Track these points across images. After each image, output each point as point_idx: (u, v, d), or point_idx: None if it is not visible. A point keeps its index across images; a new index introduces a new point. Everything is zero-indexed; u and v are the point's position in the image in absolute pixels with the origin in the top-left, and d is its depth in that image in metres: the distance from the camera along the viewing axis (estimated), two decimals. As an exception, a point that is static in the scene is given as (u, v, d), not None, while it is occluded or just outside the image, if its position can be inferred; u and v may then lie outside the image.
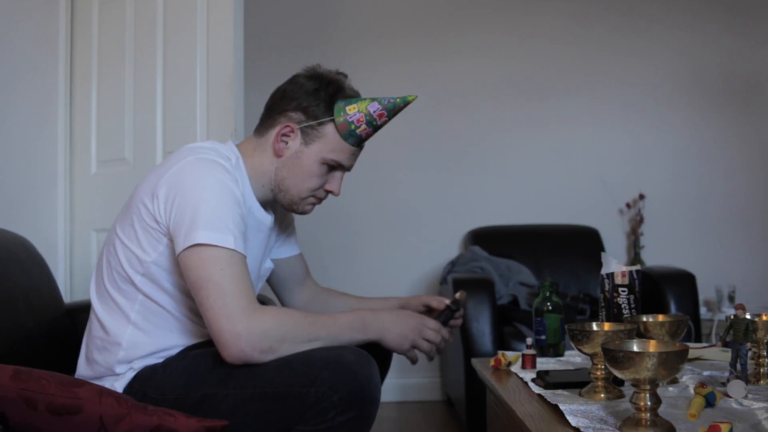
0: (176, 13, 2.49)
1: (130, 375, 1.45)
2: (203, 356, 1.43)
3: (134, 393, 1.41)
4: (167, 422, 1.20)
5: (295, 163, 1.55)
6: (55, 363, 1.70)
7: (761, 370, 1.47)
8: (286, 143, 1.56)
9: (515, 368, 1.75)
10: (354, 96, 1.59)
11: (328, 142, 1.54)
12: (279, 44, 3.55)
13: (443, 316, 1.61)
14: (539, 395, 1.44)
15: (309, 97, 1.54)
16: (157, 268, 1.44)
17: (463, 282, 2.80)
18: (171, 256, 1.43)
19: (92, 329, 1.53)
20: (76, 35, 2.66)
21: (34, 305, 1.81)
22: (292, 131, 1.55)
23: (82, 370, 1.53)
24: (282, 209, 1.70)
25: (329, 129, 1.54)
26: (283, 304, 1.85)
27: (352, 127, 1.53)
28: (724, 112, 3.69)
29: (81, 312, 2.14)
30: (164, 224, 1.42)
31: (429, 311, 1.71)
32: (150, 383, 1.42)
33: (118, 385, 1.43)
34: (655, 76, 3.67)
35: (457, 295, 1.65)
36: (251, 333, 1.30)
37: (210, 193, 1.39)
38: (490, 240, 3.37)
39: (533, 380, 1.57)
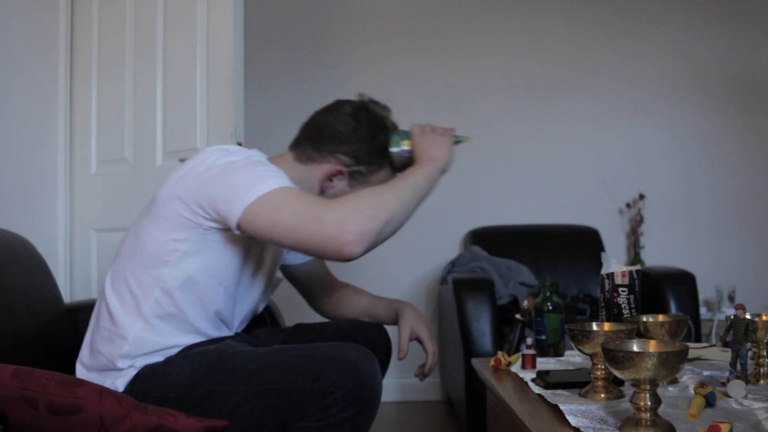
0: (176, 13, 2.49)
1: (132, 373, 1.44)
2: (204, 354, 1.42)
3: (135, 392, 1.40)
4: (168, 422, 1.20)
5: (336, 190, 1.58)
6: (55, 363, 1.70)
7: (761, 370, 1.47)
8: (332, 182, 1.57)
9: (515, 368, 1.75)
10: (394, 126, 1.62)
11: (374, 181, 1.57)
12: (279, 44, 3.55)
13: (518, 330, 1.64)
14: (539, 395, 1.44)
15: (362, 144, 1.56)
16: (183, 261, 1.43)
17: (463, 282, 2.79)
18: (200, 246, 1.42)
19: (100, 319, 1.52)
20: (76, 35, 2.66)
21: (34, 305, 1.81)
22: (341, 173, 1.56)
23: (84, 357, 1.52)
24: None
25: (378, 171, 1.58)
26: (316, 310, 1.86)
27: (404, 158, 1.59)
28: (725, 112, 3.69)
29: (81, 312, 2.14)
30: (202, 210, 1.39)
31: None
32: (151, 382, 1.41)
33: (120, 383, 1.43)
34: (656, 76, 3.67)
35: (525, 303, 1.68)
36: (345, 215, 1.29)
37: (240, 163, 1.40)
38: (490, 240, 3.37)
39: (533, 380, 1.56)
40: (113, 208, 2.58)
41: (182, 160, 2.39)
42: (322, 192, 1.56)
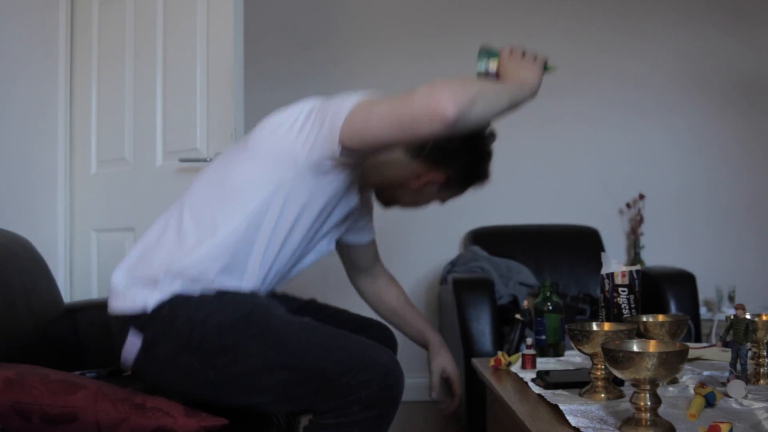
0: (176, 13, 2.49)
1: (167, 292, 1.40)
2: (241, 304, 1.40)
3: (163, 316, 1.38)
4: (166, 423, 1.20)
5: (420, 195, 1.70)
6: (55, 363, 1.70)
7: (761, 370, 1.47)
8: (425, 184, 1.68)
9: (515, 368, 1.75)
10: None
11: (459, 193, 1.76)
12: (279, 44, 3.55)
13: (518, 330, 1.66)
14: (539, 395, 1.44)
15: (468, 167, 1.79)
16: (276, 195, 1.44)
17: (463, 282, 2.79)
18: (290, 186, 1.44)
19: (166, 234, 1.48)
20: (76, 35, 2.66)
21: (34, 305, 1.81)
22: (438, 181, 1.69)
23: (128, 266, 1.47)
24: (368, 195, 1.76)
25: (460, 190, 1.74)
26: (351, 283, 1.94)
27: (490, 78, 1.67)
28: (725, 111, 3.68)
29: (81, 312, 2.14)
30: (305, 144, 1.42)
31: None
32: (182, 310, 1.38)
33: (151, 299, 1.39)
34: (655, 76, 3.67)
35: (525, 303, 1.70)
36: (435, 88, 1.31)
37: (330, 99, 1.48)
38: (490, 240, 3.37)
39: (533, 380, 1.56)
40: (113, 208, 2.58)
41: (182, 160, 2.40)
42: (411, 187, 1.67)
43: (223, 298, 1.42)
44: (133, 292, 1.42)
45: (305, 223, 1.51)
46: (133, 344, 1.42)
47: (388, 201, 1.75)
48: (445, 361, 1.83)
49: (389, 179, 1.67)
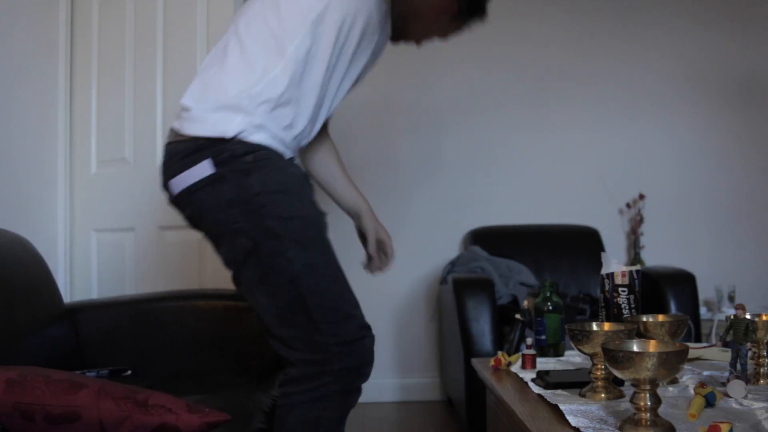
0: (176, 13, 2.49)
1: (250, 122, 1.44)
2: (311, 205, 1.47)
3: (243, 161, 1.41)
4: (169, 420, 1.19)
5: (432, 27, 1.72)
6: (55, 363, 1.70)
7: (761, 370, 1.47)
8: (441, 13, 1.70)
9: (515, 368, 1.75)
10: None
11: (462, 26, 1.78)
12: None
13: (518, 330, 1.66)
14: (539, 395, 1.44)
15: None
16: (328, 8, 1.49)
17: (463, 282, 2.80)
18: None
19: (223, 62, 1.49)
20: (76, 35, 2.66)
21: (34, 305, 1.81)
22: (452, 12, 1.71)
23: (190, 103, 1.47)
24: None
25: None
26: None
27: None
28: (724, 112, 3.69)
29: (81, 312, 2.14)
30: None
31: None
32: (260, 170, 1.42)
33: (234, 124, 1.42)
34: (654, 77, 3.67)
35: (525, 303, 1.70)
36: None
37: None
38: (490, 240, 3.37)
39: (533, 380, 1.57)
40: (113, 208, 2.58)
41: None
42: (428, 17, 1.70)
43: (301, 183, 1.49)
44: (214, 117, 1.44)
45: (351, 42, 1.57)
46: (202, 171, 1.44)
47: (401, 33, 1.78)
48: (378, 225, 1.81)
49: (413, 6, 1.69)
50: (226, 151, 1.44)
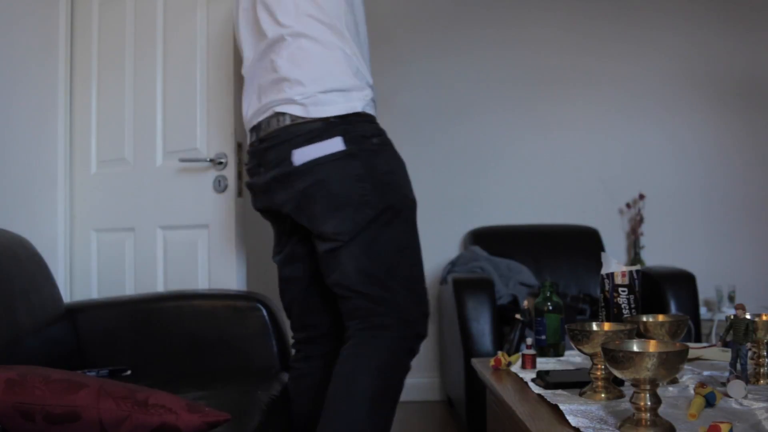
0: (176, 13, 2.49)
1: (364, 97, 1.69)
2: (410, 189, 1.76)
3: (371, 142, 1.65)
4: (169, 420, 1.20)
5: None
6: (55, 363, 1.70)
7: (761, 370, 1.47)
8: None
9: (515, 368, 1.75)
10: None
11: None
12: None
13: (518, 330, 1.68)
14: (539, 395, 1.44)
15: None
16: None
17: (463, 282, 2.80)
18: None
19: (295, 56, 1.68)
20: (76, 35, 2.65)
21: (34, 305, 1.81)
22: None
23: (303, 92, 1.65)
24: None
25: None
26: None
27: None
28: (724, 112, 3.69)
29: (81, 312, 2.14)
30: None
31: None
32: (385, 151, 1.69)
33: (359, 104, 1.67)
34: (654, 77, 3.67)
35: (525, 303, 1.73)
36: None
37: None
38: (490, 240, 3.37)
39: (533, 380, 1.57)
40: (113, 208, 2.58)
41: (182, 160, 2.40)
42: None
43: (406, 169, 1.76)
44: (341, 100, 1.66)
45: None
46: (332, 146, 1.63)
47: None
48: None
49: None
50: (356, 132, 1.65)
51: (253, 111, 1.76)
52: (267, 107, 1.71)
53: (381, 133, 1.70)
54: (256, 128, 1.76)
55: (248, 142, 1.82)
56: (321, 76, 1.67)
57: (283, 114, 1.67)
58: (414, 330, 1.66)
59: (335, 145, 1.63)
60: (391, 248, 1.66)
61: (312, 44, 1.68)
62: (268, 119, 1.70)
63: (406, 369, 1.67)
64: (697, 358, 1.77)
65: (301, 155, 1.64)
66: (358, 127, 1.66)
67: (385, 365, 1.61)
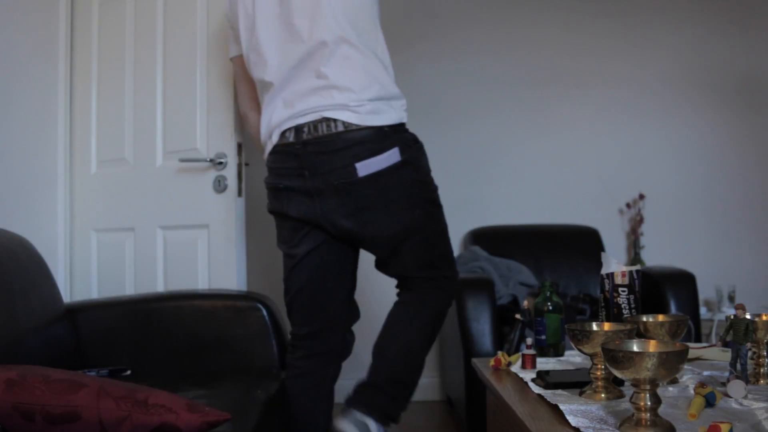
0: (176, 13, 2.49)
1: (402, 106, 1.86)
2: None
3: (417, 147, 1.85)
4: (169, 420, 1.20)
5: None
6: (55, 363, 1.70)
7: (761, 370, 1.47)
8: None
9: (515, 368, 1.75)
10: None
11: None
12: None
13: (518, 330, 1.69)
14: (539, 395, 1.44)
15: None
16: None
17: (463, 282, 2.79)
18: None
19: (344, 65, 1.77)
20: (76, 35, 2.66)
21: (34, 305, 1.81)
22: None
23: (357, 100, 1.75)
24: None
25: None
26: None
27: None
28: (724, 111, 3.69)
29: (81, 312, 2.15)
30: None
31: None
32: (423, 153, 1.89)
33: (399, 112, 1.81)
34: (654, 77, 3.67)
35: (525, 303, 1.74)
36: None
37: None
38: (490, 240, 3.37)
39: (533, 380, 1.57)
40: (113, 208, 2.58)
41: (182, 160, 2.40)
42: None
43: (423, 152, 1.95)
44: (387, 107, 1.79)
45: None
46: (391, 157, 1.76)
47: None
48: None
49: None
50: (405, 140, 1.81)
51: (286, 115, 1.80)
52: (310, 111, 1.75)
53: (416, 137, 1.87)
54: (295, 130, 1.78)
55: (273, 142, 1.84)
56: (369, 84, 1.76)
57: (335, 120, 1.74)
58: (454, 289, 1.95)
59: (394, 156, 1.76)
60: (439, 237, 1.91)
61: (354, 51, 1.77)
62: (315, 123, 1.75)
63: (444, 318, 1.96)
64: (697, 358, 1.77)
65: (365, 168, 1.74)
66: (405, 136, 1.83)
67: (439, 314, 1.91)
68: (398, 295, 1.95)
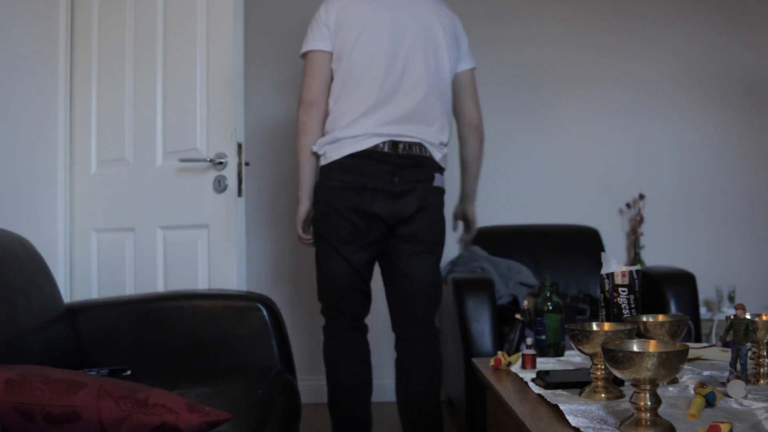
0: (176, 13, 2.50)
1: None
2: None
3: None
4: (169, 419, 1.19)
5: None
6: (55, 363, 1.70)
7: (761, 370, 1.47)
8: None
9: (515, 368, 1.75)
10: None
11: None
12: (279, 44, 3.55)
13: (518, 330, 1.69)
14: (539, 395, 1.44)
15: None
16: None
17: (463, 282, 2.80)
18: None
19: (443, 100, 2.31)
20: (76, 35, 2.66)
21: (34, 305, 1.81)
22: None
23: (429, 138, 2.25)
24: None
25: None
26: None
27: None
28: (724, 111, 3.69)
29: (81, 312, 2.15)
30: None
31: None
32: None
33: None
34: (655, 76, 3.67)
35: (525, 303, 1.73)
36: None
37: None
38: (490, 240, 3.37)
39: (533, 380, 1.57)
40: (113, 208, 2.58)
41: (182, 160, 2.40)
42: None
43: None
44: (435, 151, 2.28)
45: None
46: (442, 181, 2.32)
47: None
48: (470, 208, 2.68)
49: None
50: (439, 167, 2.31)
51: (408, 126, 2.20)
52: (414, 134, 2.20)
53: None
54: (401, 142, 2.19)
55: (373, 144, 2.16)
56: (445, 128, 2.30)
57: (426, 148, 2.23)
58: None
59: (443, 180, 2.33)
60: (438, 267, 2.33)
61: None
62: (411, 144, 2.20)
63: None
64: (697, 358, 1.77)
65: (438, 181, 2.28)
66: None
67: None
68: None
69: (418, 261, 2.23)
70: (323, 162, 2.20)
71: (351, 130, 2.15)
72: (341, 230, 2.18)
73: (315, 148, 2.21)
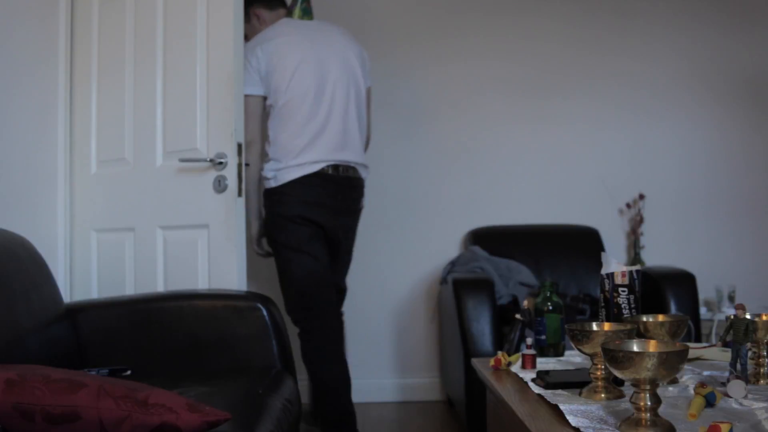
0: (176, 13, 2.49)
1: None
2: None
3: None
4: (169, 419, 1.19)
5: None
6: (55, 363, 1.70)
7: (761, 370, 1.47)
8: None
9: (515, 368, 1.75)
10: None
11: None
12: (279, 44, 3.55)
13: (518, 330, 1.69)
14: (539, 395, 1.44)
15: None
16: None
17: (463, 282, 2.80)
18: None
19: (350, 128, 2.67)
20: (76, 35, 2.66)
21: (34, 305, 1.81)
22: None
23: (358, 157, 2.74)
24: None
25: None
26: None
27: None
28: (725, 111, 3.69)
29: (81, 312, 2.15)
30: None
31: None
32: None
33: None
34: (655, 76, 3.67)
35: (525, 303, 1.74)
36: None
37: None
38: (490, 240, 3.37)
39: (533, 380, 1.57)
40: (113, 208, 2.58)
41: (182, 160, 2.40)
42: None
43: None
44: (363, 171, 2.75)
45: None
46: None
47: None
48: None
49: None
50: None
51: (343, 152, 2.62)
52: (354, 158, 2.65)
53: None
54: (340, 166, 2.61)
55: (319, 168, 2.57)
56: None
57: (359, 171, 2.69)
58: None
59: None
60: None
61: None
62: (350, 166, 2.64)
63: None
64: (697, 358, 1.77)
65: (363, 201, 2.78)
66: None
67: None
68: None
69: (345, 264, 2.85)
70: (273, 185, 2.56)
71: (298, 160, 2.55)
72: (301, 234, 2.55)
73: (264, 173, 2.59)
